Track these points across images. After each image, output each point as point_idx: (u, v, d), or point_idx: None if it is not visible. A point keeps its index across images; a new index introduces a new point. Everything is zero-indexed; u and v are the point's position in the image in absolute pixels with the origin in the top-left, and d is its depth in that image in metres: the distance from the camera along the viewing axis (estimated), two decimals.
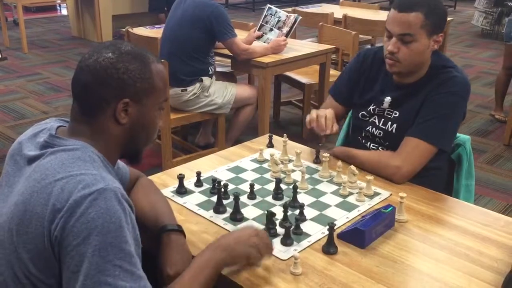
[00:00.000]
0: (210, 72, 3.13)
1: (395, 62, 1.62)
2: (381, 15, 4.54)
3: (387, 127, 1.72)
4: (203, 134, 3.61)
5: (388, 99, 1.71)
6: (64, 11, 9.15)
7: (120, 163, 1.32)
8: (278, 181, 1.47)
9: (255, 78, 3.93)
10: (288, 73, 3.78)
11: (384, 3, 9.45)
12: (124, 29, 3.52)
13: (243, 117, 3.27)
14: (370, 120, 1.76)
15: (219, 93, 3.12)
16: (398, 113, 1.70)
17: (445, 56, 1.71)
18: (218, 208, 1.40)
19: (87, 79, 1.05)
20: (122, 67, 1.05)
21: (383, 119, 1.73)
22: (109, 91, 1.05)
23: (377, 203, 1.45)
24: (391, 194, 1.50)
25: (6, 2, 6.89)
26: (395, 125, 1.70)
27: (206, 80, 3.07)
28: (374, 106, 1.74)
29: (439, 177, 1.73)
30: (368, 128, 1.77)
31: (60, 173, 0.97)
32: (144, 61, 1.08)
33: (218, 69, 3.56)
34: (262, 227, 1.31)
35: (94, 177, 0.97)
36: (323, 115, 1.59)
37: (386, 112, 1.72)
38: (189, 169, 1.62)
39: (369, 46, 4.48)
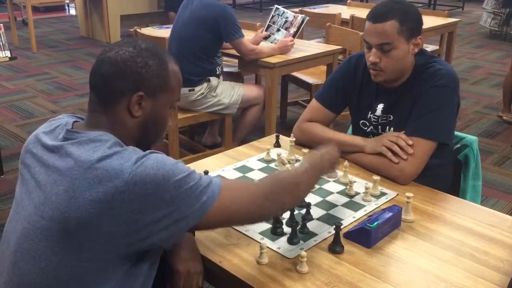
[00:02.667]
0: (217, 72, 3.14)
1: (379, 72, 1.64)
2: None
3: (386, 132, 1.72)
4: (210, 133, 3.62)
5: (380, 106, 1.72)
6: (72, 11, 9.21)
7: None
8: None
9: (262, 78, 3.94)
10: (295, 74, 3.78)
11: None
12: (132, 29, 3.54)
13: (250, 117, 3.27)
14: (368, 130, 1.77)
15: (226, 93, 3.13)
16: (392, 116, 1.71)
17: (427, 52, 1.72)
18: None
19: (107, 70, 1.09)
20: (141, 61, 1.09)
21: (380, 126, 1.74)
22: (126, 83, 1.08)
23: (384, 203, 1.46)
24: (397, 194, 1.50)
25: (15, 2, 6.96)
26: (392, 129, 1.70)
27: (214, 80, 3.08)
28: (371, 114, 1.75)
29: (444, 175, 1.73)
30: (370, 137, 1.76)
31: (95, 156, 1.00)
32: (162, 59, 1.12)
33: (225, 69, 3.57)
34: (269, 226, 1.32)
35: (129, 151, 1.02)
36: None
37: (380, 119, 1.73)
38: (196, 168, 1.61)
39: None
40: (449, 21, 4.55)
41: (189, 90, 3.03)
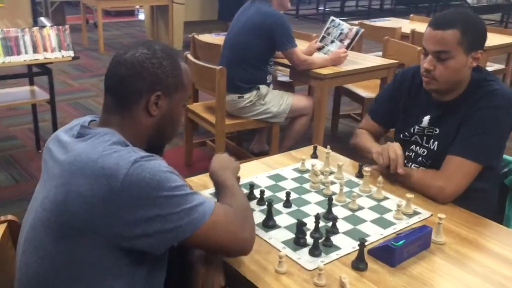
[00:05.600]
0: (267, 81, 3.16)
1: (431, 80, 1.59)
2: None
3: (429, 145, 1.68)
4: (257, 141, 3.64)
5: (427, 117, 1.68)
6: (141, 16, 9.58)
7: None
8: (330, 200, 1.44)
9: (315, 89, 3.92)
10: (349, 86, 3.74)
11: None
12: (190, 35, 3.64)
13: (298, 127, 3.27)
14: (412, 140, 1.73)
15: (275, 101, 3.14)
16: (438, 130, 1.66)
17: (485, 70, 1.66)
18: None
19: (124, 72, 1.13)
20: (157, 62, 1.13)
21: (425, 137, 1.69)
22: (143, 83, 1.12)
23: (416, 223, 1.41)
24: (431, 215, 1.45)
25: (88, 5, 7.33)
26: (436, 143, 1.66)
27: (263, 88, 3.10)
28: (415, 126, 1.71)
29: (487, 200, 1.65)
30: (412, 147, 1.73)
31: (95, 154, 1.04)
32: (175, 59, 1.17)
33: (279, 79, 3.58)
34: (292, 235, 1.32)
35: (128, 151, 1.05)
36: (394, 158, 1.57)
37: (426, 130, 1.68)
38: None
39: None
40: None
41: (238, 97, 3.07)
